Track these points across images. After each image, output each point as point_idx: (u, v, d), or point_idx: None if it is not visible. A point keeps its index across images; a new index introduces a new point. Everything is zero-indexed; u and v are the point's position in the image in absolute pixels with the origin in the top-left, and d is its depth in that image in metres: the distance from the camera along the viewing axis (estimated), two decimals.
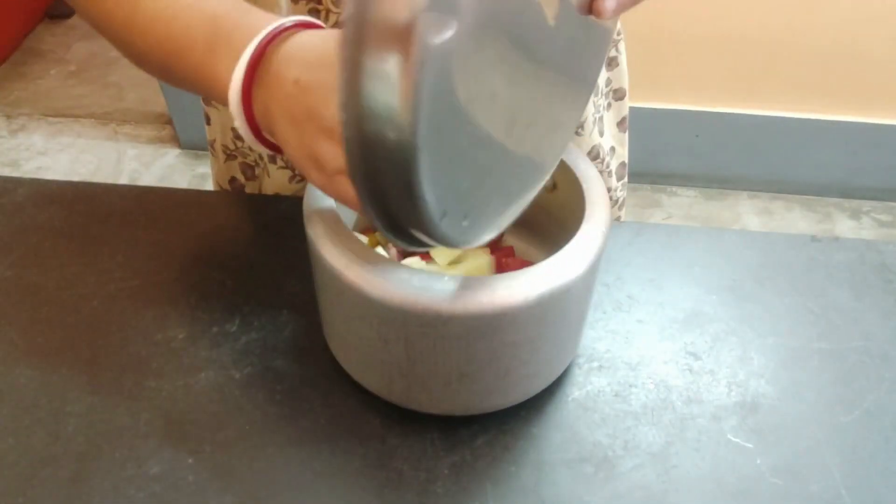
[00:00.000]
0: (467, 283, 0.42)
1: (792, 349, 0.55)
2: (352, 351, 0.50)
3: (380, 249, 0.54)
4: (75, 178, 1.91)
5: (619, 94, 0.75)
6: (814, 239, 0.63)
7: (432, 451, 0.48)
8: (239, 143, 0.72)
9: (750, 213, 1.86)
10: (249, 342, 0.54)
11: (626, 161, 0.80)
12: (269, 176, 0.70)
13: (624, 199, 0.83)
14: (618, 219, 0.83)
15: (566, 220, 0.48)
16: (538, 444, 0.49)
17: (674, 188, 1.91)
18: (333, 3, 0.56)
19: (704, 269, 0.61)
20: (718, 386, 0.53)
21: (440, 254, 0.54)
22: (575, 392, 0.52)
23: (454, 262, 0.53)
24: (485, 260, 0.55)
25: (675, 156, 1.86)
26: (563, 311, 0.45)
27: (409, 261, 0.54)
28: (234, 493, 0.46)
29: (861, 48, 1.62)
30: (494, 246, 0.56)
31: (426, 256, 0.54)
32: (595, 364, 0.54)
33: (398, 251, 0.55)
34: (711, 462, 0.48)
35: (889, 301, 0.58)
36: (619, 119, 0.76)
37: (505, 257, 0.55)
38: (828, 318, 0.57)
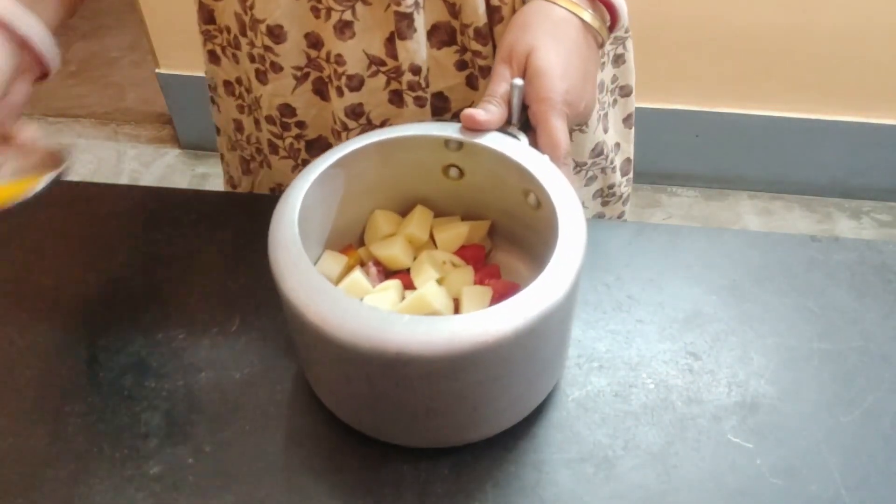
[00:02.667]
0: (428, 324, 0.41)
1: (792, 349, 0.55)
2: (321, 382, 0.49)
3: (358, 271, 0.53)
4: (75, 178, 1.90)
5: (625, 91, 0.75)
6: (814, 239, 0.63)
7: (432, 451, 0.48)
8: (239, 136, 0.72)
9: (750, 213, 1.86)
10: (249, 342, 0.54)
11: (632, 157, 0.80)
12: (269, 168, 0.70)
13: (629, 195, 0.82)
14: (621, 215, 0.83)
15: (550, 238, 0.47)
16: (538, 444, 0.49)
17: (674, 188, 1.91)
18: (335, 0, 0.57)
19: (704, 269, 0.61)
20: (718, 386, 0.53)
21: (420, 275, 0.53)
22: (575, 392, 0.52)
23: (435, 284, 0.52)
24: (468, 281, 0.53)
25: (675, 156, 1.86)
26: (532, 348, 0.44)
27: (385, 284, 0.52)
28: (234, 493, 0.46)
29: (861, 48, 1.62)
30: (479, 264, 0.55)
31: (406, 278, 0.53)
32: (595, 364, 0.54)
33: (378, 271, 0.54)
34: (711, 462, 0.48)
35: (889, 301, 0.58)
36: (624, 115, 0.76)
37: (489, 278, 0.54)
38: (828, 318, 0.57)
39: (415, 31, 0.57)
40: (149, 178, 1.95)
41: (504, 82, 0.53)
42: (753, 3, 1.58)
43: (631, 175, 0.81)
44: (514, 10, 0.58)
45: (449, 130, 0.52)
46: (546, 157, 0.51)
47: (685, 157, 1.86)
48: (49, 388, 0.52)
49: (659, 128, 1.79)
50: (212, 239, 0.62)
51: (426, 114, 0.61)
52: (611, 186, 0.78)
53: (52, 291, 0.58)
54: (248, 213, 0.65)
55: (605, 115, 0.73)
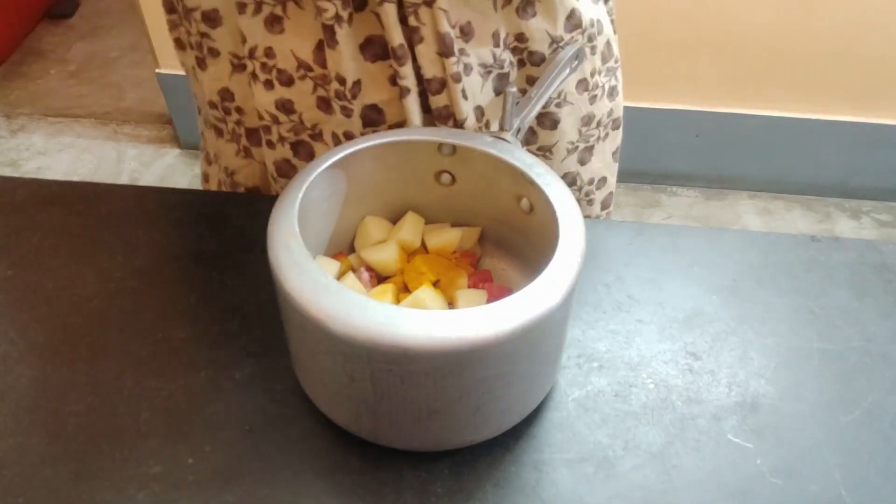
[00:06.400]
0: (435, 318, 0.40)
1: (792, 349, 0.55)
2: (318, 385, 0.48)
3: (351, 275, 0.53)
4: (75, 178, 1.91)
5: (616, 124, 0.73)
6: (814, 239, 0.63)
7: (432, 451, 0.48)
8: (214, 113, 0.71)
9: (750, 213, 1.86)
10: (249, 342, 0.54)
11: (613, 190, 0.78)
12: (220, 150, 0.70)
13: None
14: None
15: (543, 243, 0.47)
16: (538, 444, 0.49)
17: (674, 188, 1.91)
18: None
19: (704, 269, 0.61)
20: (718, 386, 0.53)
21: (414, 278, 0.53)
22: (575, 392, 0.52)
23: (428, 288, 0.52)
24: (462, 285, 0.53)
25: (675, 156, 1.86)
26: (536, 344, 0.44)
27: (378, 289, 0.52)
28: (234, 493, 0.46)
29: (861, 48, 1.62)
30: (472, 269, 0.55)
31: (397, 283, 0.53)
32: (595, 364, 0.54)
33: (371, 276, 0.54)
34: (711, 462, 0.48)
35: (889, 301, 0.59)
36: (613, 149, 0.75)
37: (482, 282, 0.54)
38: (828, 318, 0.57)
39: (337, 42, 0.56)
40: (149, 178, 1.95)
41: None
42: (753, 3, 1.58)
43: (611, 209, 0.80)
44: (434, 32, 0.56)
45: (443, 135, 0.52)
46: (540, 161, 0.51)
47: (685, 157, 1.86)
48: (49, 388, 0.52)
49: (659, 128, 1.79)
50: (212, 239, 0.62)
51: (354, 124, 0.60)
52: (585, 217, 0.76)
53: (52, 291, 0.58)
54: (248, 213, 0.65)
55: (590, 148, 0.71)
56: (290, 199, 0.47)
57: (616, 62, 0.70)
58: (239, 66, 0.62)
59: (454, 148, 0.52)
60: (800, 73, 1.68)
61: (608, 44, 0.67)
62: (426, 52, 0.57)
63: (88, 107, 2.15)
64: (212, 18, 0.59)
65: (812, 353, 0.55)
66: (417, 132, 0.54)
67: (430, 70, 0.58)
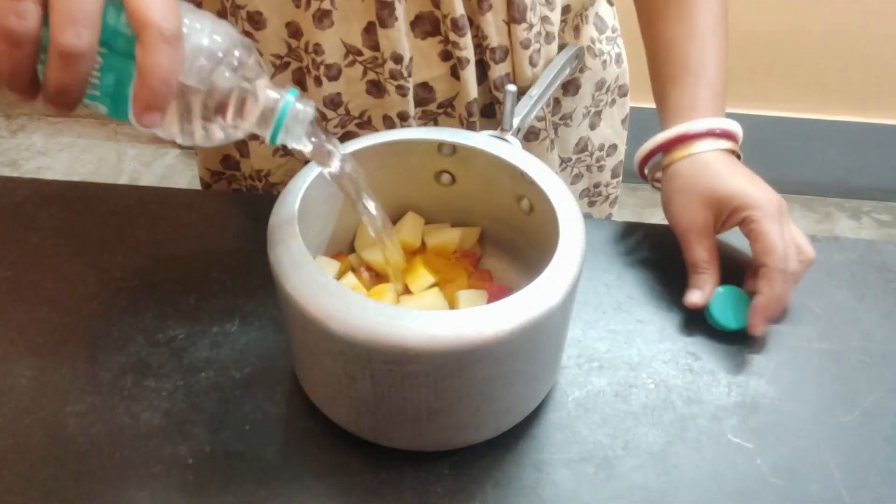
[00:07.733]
0: (435, 318, 0.40)
1: (792, 349, 0.55)
2: (318, 385, 0.48)
3: (350, 275, 0.53)
4: (75, 178, 1.91)
5: (623, 91, 0.75)
6: (814, 239, 0.63)
7: (432, 451, 0.48)
8: None
9: None
10: (249, 342, 0.54)
11: (623, 159, 0.80)
12: (248, 157, 0.70)
13: (616, 197, 0.82)
14: (609, 216, 0.83)
15: (543, 243, 0.47)
16: (538, 444, 0.49)
17: None
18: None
19: None
20: (718, 386, 0.53)
21: (415, 279, 0.53)
22: (575, 392, 0.52)
23: (428, 289, 0.52)
24: (462, 285, 0.54)
25: None
26: (536, 344, 0.44)
27: (378, 289, 0.52)
28: (234, 493, 0.46)
29: (861, 48, 1.62)
30: (471, 269, 0.55)
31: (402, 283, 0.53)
32: (595, 364, 0.54)
33: (371, 275, 0.54)
34: (711, 462, 0.48)
35: (889, 301, 0.58)
36: (622, 116, 0.77)
37: (482, 282, 0.54)
38: (828, 318, 0.57)
39: (396, 19, 0.56)
40: (149, 178, 1.95)
41: (703, 250, 0.56)
42: (754, 4, 1.58)
43: (621, 178, 0.81)
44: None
45: (443, 135, 0.52)
46: (539, 161, 0.51)
47: None
48: (49, 388, 0.52)
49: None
50: (212, 239, 0.62)
51: (408, 104, 0.61)
52: (596, 185, 0.78)
53: (52, 291, 0.58)
54: (248, 213, 0.65)
55: (599, 112, 0.73)
56: (290, 199, 0.47)
57: (613, 31, 0.73)
58: (281, 66, 0.62)
59: (454, 148, 0.52)
60: (800, 73, 1.68)
61: (598, 15, 0.70)
62: (494, 19, 0.58)
63: None
64: (256, 20, 0.59)
65: (812, 353, 0.55)
66: (417, 132, 0.54)
67: (496, 38, 0.59)
